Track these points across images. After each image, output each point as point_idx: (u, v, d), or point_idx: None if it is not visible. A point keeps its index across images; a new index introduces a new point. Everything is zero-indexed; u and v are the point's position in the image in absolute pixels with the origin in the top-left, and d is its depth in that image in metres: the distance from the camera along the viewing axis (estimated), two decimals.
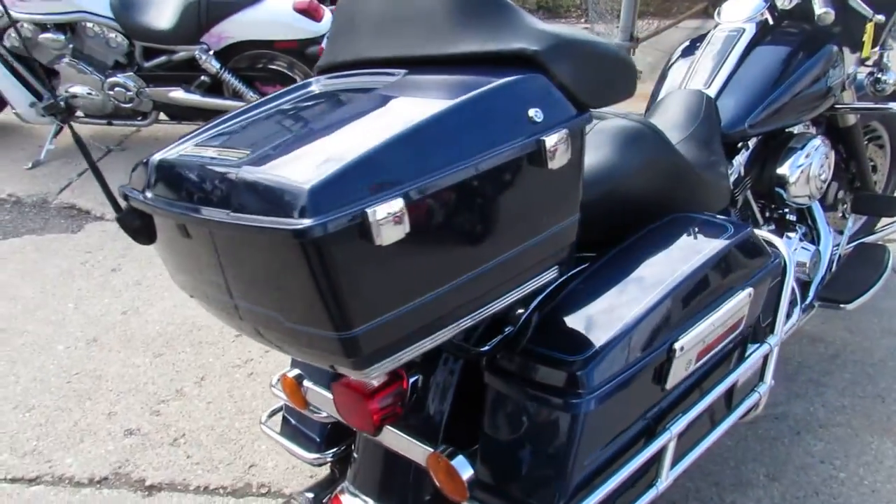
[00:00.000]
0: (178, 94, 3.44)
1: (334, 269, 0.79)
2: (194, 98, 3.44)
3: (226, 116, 1.10)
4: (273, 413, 1.53)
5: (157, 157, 1.02)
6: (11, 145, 3.80)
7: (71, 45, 3.39)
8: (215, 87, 3.46)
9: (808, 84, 1.82)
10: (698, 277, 1.17)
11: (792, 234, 1.97)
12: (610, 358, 1.05)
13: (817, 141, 1.86)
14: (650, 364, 1.09)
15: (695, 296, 1.16)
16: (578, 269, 1.23)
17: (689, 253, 1.22)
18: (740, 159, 1.79)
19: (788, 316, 1.80)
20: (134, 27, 3.29)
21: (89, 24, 3.38)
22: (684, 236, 1.27)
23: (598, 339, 1.07)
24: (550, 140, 0.93)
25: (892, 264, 2.07)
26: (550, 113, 0.96)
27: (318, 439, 1.46)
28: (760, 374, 1.39)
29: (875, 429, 1.95)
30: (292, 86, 1.18)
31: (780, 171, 1.81)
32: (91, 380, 2.18)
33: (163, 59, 3.41)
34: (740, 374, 1.30)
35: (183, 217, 0.91)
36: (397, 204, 0.79)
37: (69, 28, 3.39)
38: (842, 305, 1.92)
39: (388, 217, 0.79)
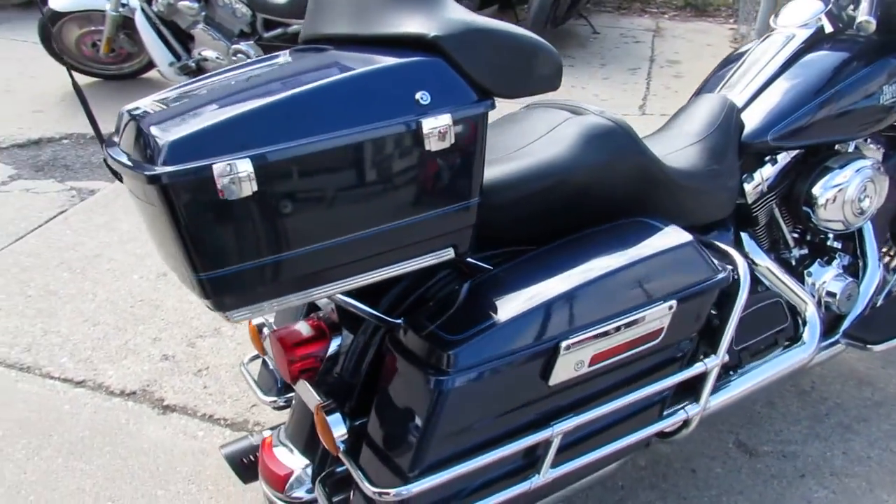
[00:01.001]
0: None
1: (184, 214, 0.88)
2: None
3: (197, 79, 1.23)
4: (253, 358, 1.67)
5: (124, 107, 1.17)
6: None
7: (203, 13, 3.76)
8: None
9: (857, 98, 1.66)
10: (608, 282, 1.15)
11: (827, 261, 1.81)
12: (486, 343, 1.07)
13: (863, 163, 1.70)
14: (532, 357, 1.09)
15: (600, 299, 1.14)
16: (518, 259, 1.25)
17: (611, 257, 1.19)
18: (765, 172, 1.67)
19: (800, 347, 1.68)
20: (255, 0, 3.59)
21: None
22: (617, 241, 1.24)
23: (483, 324, 1.09)
24: (429, 123, 0.97)
25: None
26: (441, 97, 0.99)
27: (277, 384, 1.58)
28: (696, 395, 1.33)
29: None
30: (264, 56, 1.28)
31: (809, 189, 1.67)
32: (150, 308, 2.46)
33: (279, 31, 3.69)
34: (657, 388, 1.25)
35: (110, 161, 1.04)
36: (245, 164, 0.88)
37: None
38: (868, 346, 1.75)
39: (233, 174, 0.87)
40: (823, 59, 1.68)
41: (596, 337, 1.12)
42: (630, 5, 6.74)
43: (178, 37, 3.95)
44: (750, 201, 1.67)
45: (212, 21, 3.80)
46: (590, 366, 1.14)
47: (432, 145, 0.98)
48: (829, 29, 1.76)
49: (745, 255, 1.73)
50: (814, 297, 1.77)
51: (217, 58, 3.85)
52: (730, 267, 1.29)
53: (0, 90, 4.45)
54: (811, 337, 1.71)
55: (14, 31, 5.53)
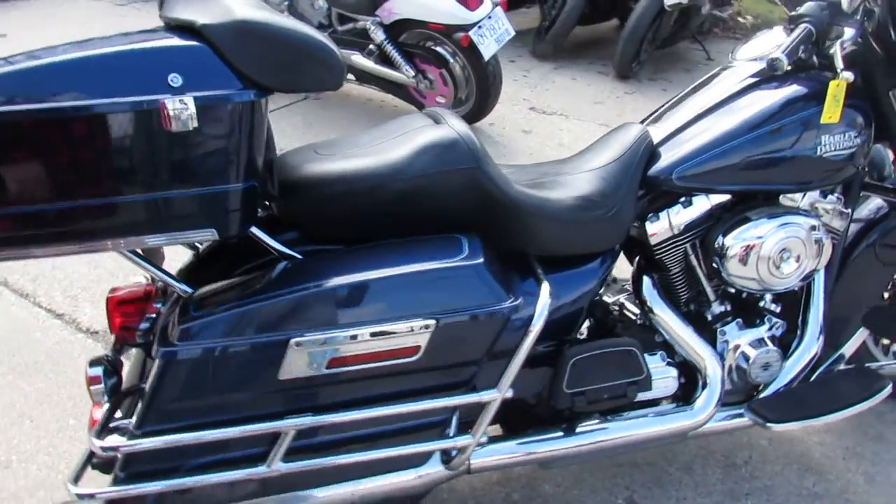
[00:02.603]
0: (357, 58, 3.85)
1: None
2: (367, 64, 3.82)
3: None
4: None
5: None
6: None
7: (287, 2, 4.00)
8: (389, 58, 3.79)
9: (785, 146, 1.50)
10: (362, 290, 1.14)
11: (750, 323, 1.64)
12: (219, 324, 1.11)
13: (795, 220, 1.52)
14: (262, 347, 1.11)
15: (346, 305, 1.14)
16: (313, 255, 1.27)
17: (384, 267, 1.18)
18: (675, 214, 1.54)
19: (686, 410, 1.55)
20: None
21: None
22: (405, 252, 1.23)
23: (227, 306, 1.13)
24: (172, 103, 1.02)
25: (871, 404, 1.59)
26: (197, 82, 1.04)
27: None
28: (472, 426, 1.27)
29: None
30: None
31: (721, 238, 1.53)
32: None
33: (350, 25, 3.85)
34: (421, 409, 1.22)
35: None
36: None
37: None
38: (768, 424, 1.56)
39: None
40: (760, 98, 1.52)
41: (328, 341, 1.12)
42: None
43: None
44: (653, 242, 1.56)
45: (295, 11, 4.04)
46: (328, 368, 1.14)
47: (175, 125, 1.03)
48: (787, 66, 1.59)
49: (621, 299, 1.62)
50: (722, 359, 1.61)
51: None
52: (520, 300, 1.23)
53: None
54: (705, 401, 1.57)
55: None
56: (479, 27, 3.41)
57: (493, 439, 1.49)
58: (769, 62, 1.40)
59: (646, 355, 1.54)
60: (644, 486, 1.81)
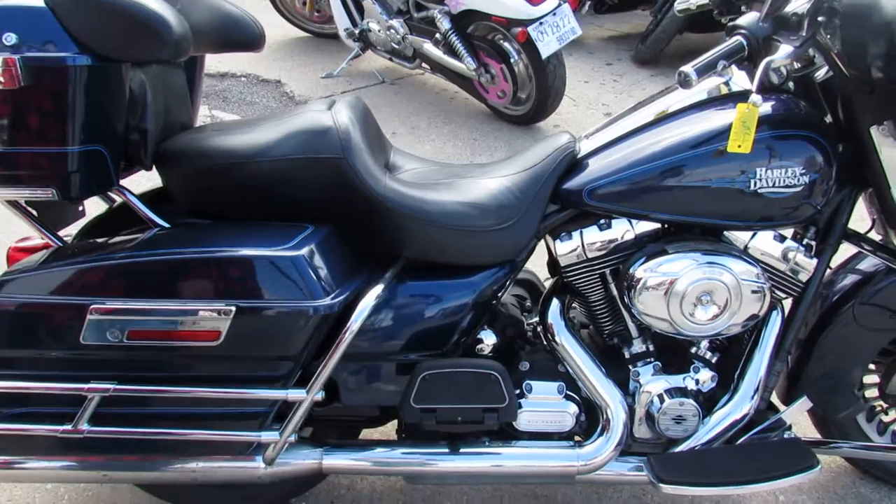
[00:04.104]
0: (428, 46, 3.84)
1: None
2: (434, 52, 3.79)
3: None
4: None
5: None
6: (324, 57, 4.72)
7: None
8: (454, 49, 3.74)
9: (711, 175, 1.31)
10: (169, 266, 1.15)
11: (670, 368, 1.46)
12: (32, 281, 1.15)
13: (724, 261, 1.32)
14: (64, 308, 1.14)
15: (150, 280, 1.13)
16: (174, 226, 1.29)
17: (210, 247, 1.17)
18: (589, 235, 1.39)
19: (570, 449, 1.41)
20: None
21: None
22: (242, 236, 1.21)
23: (40, 265, 1.18)
24: (0, 61, 1.06)
25: (793, 482, 1.35)
26: (31, 42, 1.08)
27: None
28: (283, 422, 1.21)
29: None
30: None
31: (629, 267, 1.36)
32: None
33: (424, 13, 3.83)
34: (227, 397, 1.22)
35: None
36: None
37: None
38: (659, 483, 1.37)
39: None
40: (691, 121, 1.33)
41: (127, 311, 1.11)
42: None
43: (359, 6, 4.31)
44: (562, 263, 1.42)
45: None
46: (128, 339, 1.14)
47: (1, 81, 1.07)
48: (745, 86, 1.38)
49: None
50: (629, 402, 1.44)
51: (378, 30, 4.13)
52: (337, 300, 1.16)
53: None
54: (599, 445, 1.43)
55: None
56: (541, 23, 3.27)
57: (363, 444, 1.45)
58: (677, 75, 1.22)
59: (534, 382, 1.42)
60: None
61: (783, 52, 1.22)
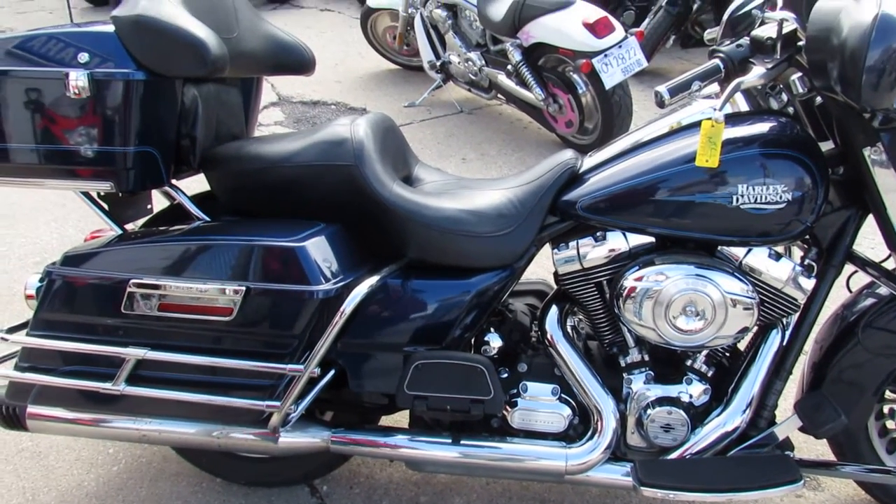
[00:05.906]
0: (502, 77, 4.00)
1: None
2: (507, 83, 3.95)
3: None
4: None
5: None
6: (409, 88, 4.98)
7: (450, 21, 4.27)
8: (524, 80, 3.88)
9: (694, 190, 1.38)
10: (196, 251, 1.36)
11: (664, 378, 1.51)
12: (88, 258, 1.39)
13: (710, 274, 1.38)
14: (110, 282, 1.36)
15: (179, 261, 1.34)
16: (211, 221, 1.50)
17: (228, 235, 1.36)
18: (585, 246, 1.48)
19: (557, 449, 1.49)
20: (483, 16, 3.95)
21: (463, 8, 4.19)
22: (257, 227, 1.40)
23: (97, 247, 1.42)
24: (74, 75, 1.31)
25: (772, 494, 1.34)
26: (101, 62, 1.33)
27: None
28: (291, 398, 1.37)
29: None
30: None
31: (621, 277, 1.44)
32: None
33: (500, 46, 4.00)
34: (239, 367, 1.38)
35: None
36: None
37: (452, 9, 4.27)
38: (640, 486, 1.41)
39: None
40: (684, 138, 1.40)
41: (158, 287, 1.32)
42: None
43: (442, 40, 4.55)
44: (560, 272, 1.51)
45: (458, 29, 4.30)
46: (159, 311, 1.34)
47: (74, 92, 1.32)
48: (742, 106, 1.44)
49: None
50: (621, 409, 1.50)
51: (457, 62, 4.35)
52: (335, 287, 1.31)
53: (332, 63, 5.66)
54: (589, 447, 1.51)
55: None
56: (606, 55, 3.36)
57: (369, 429, 1.59)
58: (654, 95, 1.29)
59: (530, 383, 1.52)
60: None
61: (755, 74, 1.27)
